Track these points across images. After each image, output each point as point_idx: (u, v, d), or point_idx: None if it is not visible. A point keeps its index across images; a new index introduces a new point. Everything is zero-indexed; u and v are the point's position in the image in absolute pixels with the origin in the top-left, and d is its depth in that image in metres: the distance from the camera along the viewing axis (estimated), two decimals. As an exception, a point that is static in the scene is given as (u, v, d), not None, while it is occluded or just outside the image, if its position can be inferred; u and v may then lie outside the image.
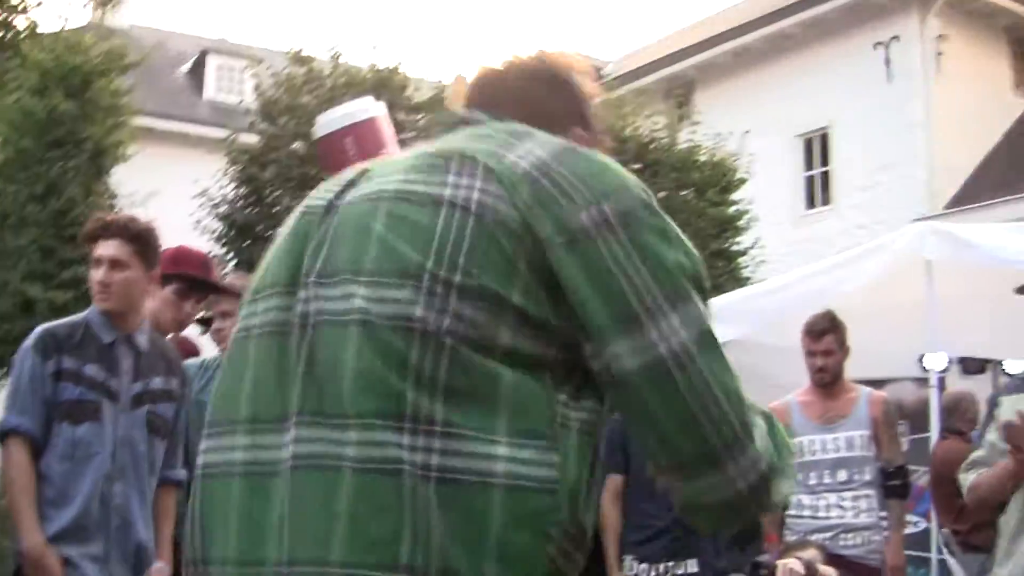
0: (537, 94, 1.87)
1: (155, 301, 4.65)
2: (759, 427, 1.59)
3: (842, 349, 5.87)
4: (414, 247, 1.52)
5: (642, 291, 1.51)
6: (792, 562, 4.69)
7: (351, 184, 1.69)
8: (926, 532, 10.16)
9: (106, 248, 4.13)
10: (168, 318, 4.81)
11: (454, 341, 1.48)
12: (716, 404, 1.53)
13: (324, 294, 1.56)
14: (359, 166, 1.77)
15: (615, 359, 1.51)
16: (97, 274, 4.15)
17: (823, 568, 4.79)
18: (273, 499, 1.50)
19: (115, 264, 4.11)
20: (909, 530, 10.57)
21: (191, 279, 4.90)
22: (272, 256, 1.71)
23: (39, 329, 4.18)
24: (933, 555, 9.92)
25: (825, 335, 5.81)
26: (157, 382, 4.22)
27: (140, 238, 4.16)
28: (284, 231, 1.73)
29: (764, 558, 4.83)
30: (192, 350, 5.46)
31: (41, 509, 3.94)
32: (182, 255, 5.02)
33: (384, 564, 1.42)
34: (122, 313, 4.16)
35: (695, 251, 1.61)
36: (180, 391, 4.35)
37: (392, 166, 1.68)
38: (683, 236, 1.60)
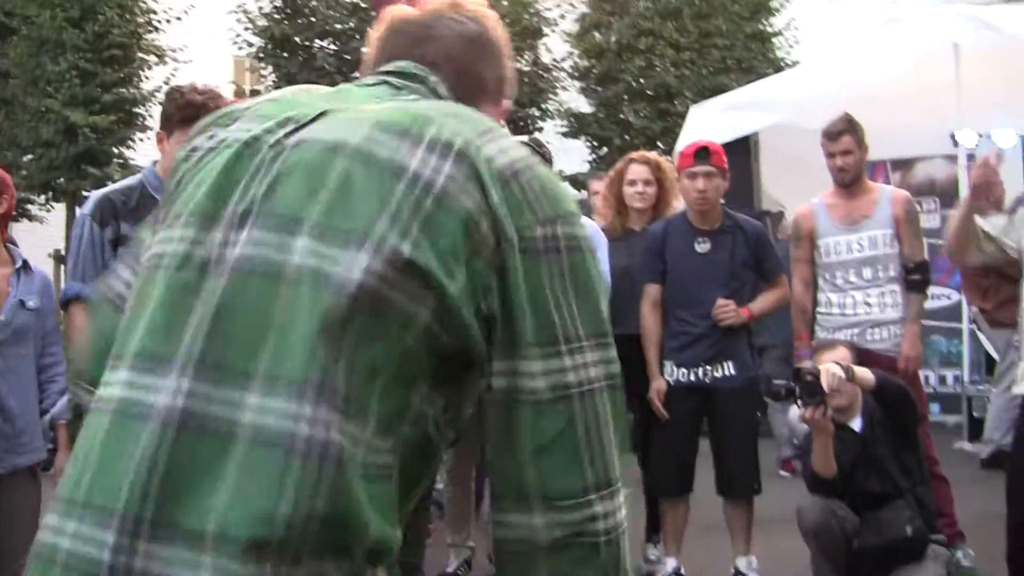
0: (470, 59, 1.83)
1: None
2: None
3: (861, 148, 5.98)
4: (368, 209, 1.46)
5: (567, 320, 1.50)
6: (832, 366, 4.98)
7: (301, 122, 1.58)
8: (958, 304, 10.51)
9: None
10: None
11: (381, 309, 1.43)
12: (600, 446, 1.50)
13: (254, 237, 1.47)
14: (320, 91, 1.73)
15: (525, 376, 1.48)
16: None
17: (859, 369, 5.09)
18: (137, 443, 1.39)
19: None
20: (942, 303, 10.96)
21: None
22: (198, 179, 1.59)
23: (96, 195, 4.29)
24: (964, 325, 10.29)
25: (843, 135, 5.93)
26: None
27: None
28: (215, 157, 1.59)
29: (806, 364, 5.08)
30: None
31: None
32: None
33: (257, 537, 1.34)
34: None
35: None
36: None
37: (356, 111, 1.61)
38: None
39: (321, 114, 1.59)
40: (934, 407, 8.94)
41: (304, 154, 1.52)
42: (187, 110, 3.93)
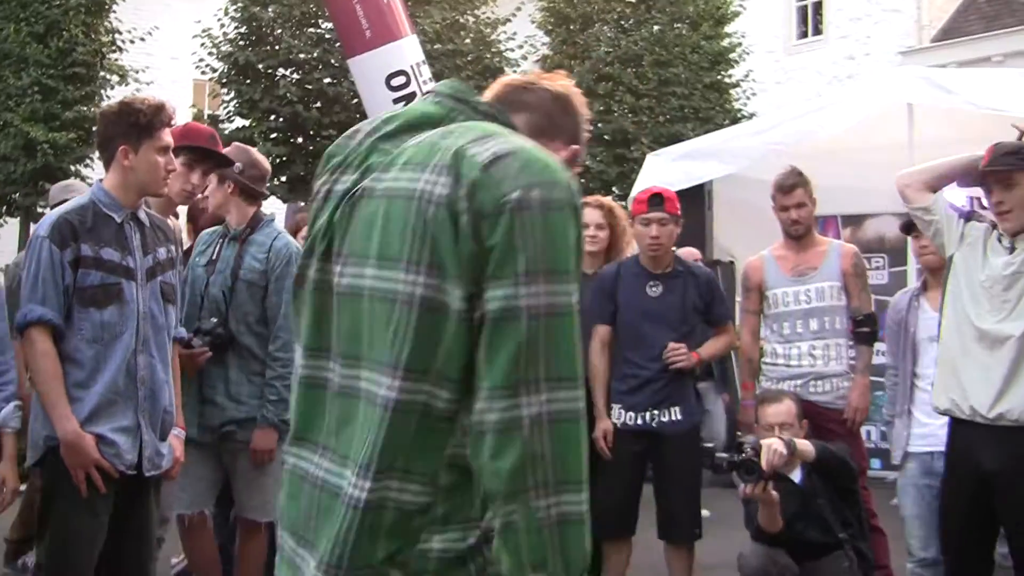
0: (553, 109, 2.37)
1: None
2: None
3: (811, 201, 6.12)
4: (400, 236, 1.99)
5: (530, 258, 1.89)
6: (774, 442, 5.03)
7: (368, 168, 2.16)
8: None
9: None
10: (177, 189, 4.95)
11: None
12: (547, 354, 1.90)
13: (347, 271, 2.11)
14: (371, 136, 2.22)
15: (491, 300, 1.90)
16: (171, 164, 4.34)
17: (800, 442, 5.14)
18: (324, 406, 2.15)
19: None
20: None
21: (199, 150, 5.10)
22: (313, 226, 2.22)
23: (51, 217, 4.27)
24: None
25: (795, 189, 6.06)
26: (161, 252, 4.37)
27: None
28: (317, 206, 2.24)
29: (748, 439, 5.13)
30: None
31: (70, 392, 4.10)
32: (191, 129, 5.26)
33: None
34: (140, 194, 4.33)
35: (582, 247, 2.01)
36: (178, 256, 4.55)
37: (399, 156, 2.11)
38: (582, 230, 2.00)
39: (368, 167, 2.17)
40: (875, 462, 9.03)
41: (363, 206, 2.11)
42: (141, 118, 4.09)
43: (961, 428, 4.66)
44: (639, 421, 5.78)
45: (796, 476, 5.32)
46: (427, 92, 2.29)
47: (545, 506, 1.91)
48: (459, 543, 1.99)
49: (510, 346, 1.89)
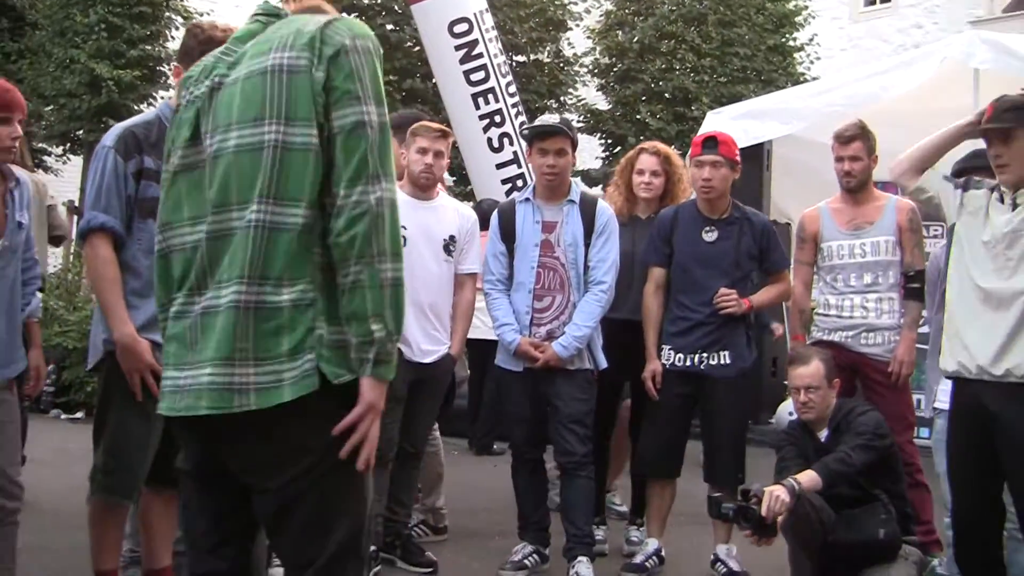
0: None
1: None
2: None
3: (870, 157, 6.10)
4: (257, 103, 2.66)
5: (365, 88, 2.64)
6: (778, 490, 5.00)
7: (225, 68, 2.82)
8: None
9: None
10: None
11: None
12: (383, 156, 2.62)
13: (214, 141, 2.75)
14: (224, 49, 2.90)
15: (343, 118, 2.62)
16: None
17: (806, 480, 5.07)
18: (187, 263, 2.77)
19: None
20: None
21: None
22: (179, 123, 2.88)
23: (118, 129, 4.39)
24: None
25: (853, 141, 6.06)
26: None
27: None
28: (183, 110, 2.88)
29: (754, 486, 5.11)
30: None
31: (128, 300, 4.24)
32: None
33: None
34: None
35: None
36: None
37: (241, 56, 2.80)
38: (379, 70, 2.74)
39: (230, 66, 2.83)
40: (923, 431, 8.97)
41: (219, 96, 2.79)
42: (207, 45, 4.01)
43: (967, 385, 4.67)
44: (687, 363, 5.83)
45: (823, 435, 5.36)
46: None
47: (383, 269, 2.57)
48: (340, 335, 2.62)
49: (362, 147, 2.60)
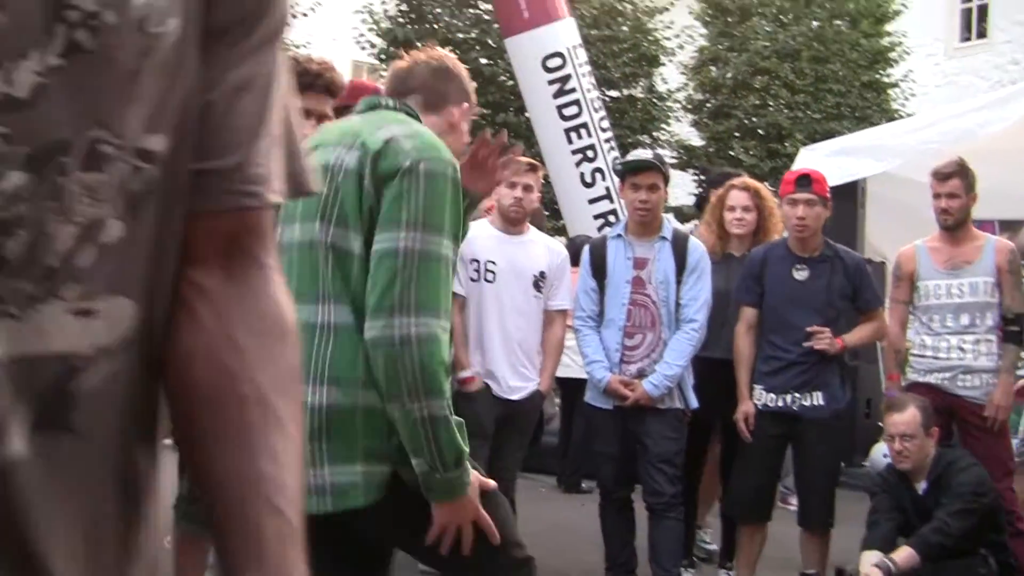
0: (434, 82, 3.02)
1: None
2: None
3: (968, 195, 6.00)
4: (315, 200, 2.68)
5: (411, 212, 2.57)
6: (873, 573, 4.96)
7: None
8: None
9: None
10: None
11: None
12: (417, 288, 2.54)
13: (283, 231, 2.77)
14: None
15: (378, 242, 2.59)
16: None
17: (903, 561, 4.99)
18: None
19: None
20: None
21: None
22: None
23: None
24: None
25: (951, 178, 5.97)
26: None
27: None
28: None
29: (848, 567, 5.05)
30: None
31: None
32: (358, 87, 5.40)
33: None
34: None
35: (460, 212, 2.68)
36: None
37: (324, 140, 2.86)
38: (459, 198, 2.67)
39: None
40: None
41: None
42: (303, 78, 4.05)
43: None
44: (780, 403, 5.76)
45: (921, 487, 5.27)
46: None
47: (412, 409, 2.51)
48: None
49: (386, 278, 2.55)
